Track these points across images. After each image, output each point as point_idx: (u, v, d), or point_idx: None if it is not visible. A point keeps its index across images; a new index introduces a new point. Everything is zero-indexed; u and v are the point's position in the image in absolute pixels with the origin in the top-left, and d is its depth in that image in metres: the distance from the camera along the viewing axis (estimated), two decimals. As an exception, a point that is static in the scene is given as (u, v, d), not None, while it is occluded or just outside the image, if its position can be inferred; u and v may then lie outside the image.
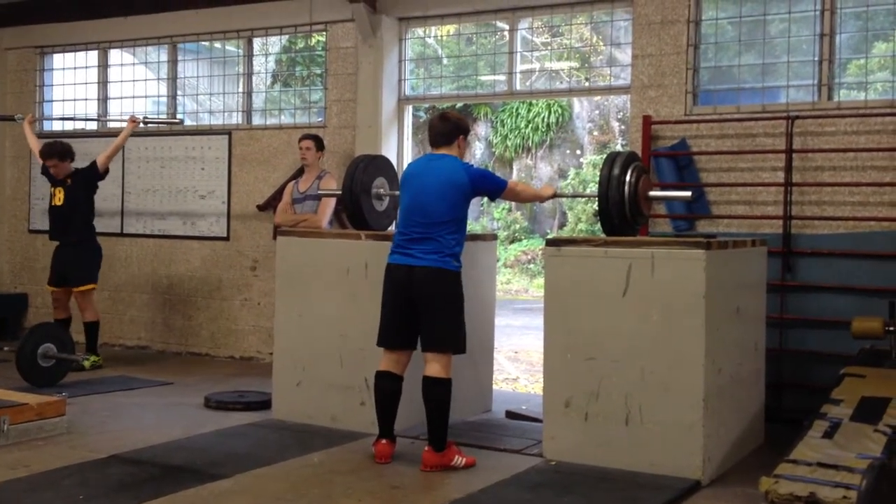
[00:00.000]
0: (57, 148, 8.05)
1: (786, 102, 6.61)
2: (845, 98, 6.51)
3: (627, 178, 5.31)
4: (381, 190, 6.26)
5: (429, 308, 5.05)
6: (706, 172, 6.75)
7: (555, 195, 5.73)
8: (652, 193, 5.58)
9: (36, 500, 4.38)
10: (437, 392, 5.02)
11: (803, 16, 6.60)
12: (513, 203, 21.51)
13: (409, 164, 5.49)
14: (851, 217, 6.28)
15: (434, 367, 5.03)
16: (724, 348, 5.11)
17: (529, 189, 5.38)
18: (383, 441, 5.15)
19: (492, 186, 5.27)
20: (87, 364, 7.82)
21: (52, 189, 8.06)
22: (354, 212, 6.16)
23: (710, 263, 4.90)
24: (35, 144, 8.34)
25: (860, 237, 6.26)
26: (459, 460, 5.03)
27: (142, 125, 8.37)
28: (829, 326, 6.23)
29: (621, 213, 5.31)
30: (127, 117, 8.28)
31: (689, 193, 5.89)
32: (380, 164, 6.40)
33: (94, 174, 7.98)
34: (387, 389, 5.17)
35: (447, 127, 5.25)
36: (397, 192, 6.32)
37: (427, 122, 20.32)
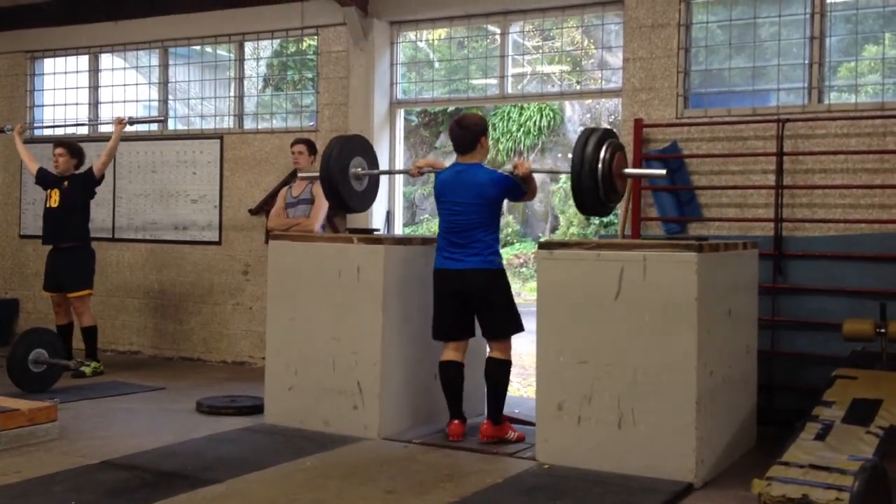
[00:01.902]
0: (70, 141, 8.14)
1: (776, 105, 6.64)
2: (836, 101, 6.53)
3: (602, 154, 5.18)
4: (360, 170, 6.21)
5: (483, 305, 5.63)
6: (697, 175, 6.77)
7: (531, 171, 5.70)
8: (627, 171, 5.45)
9: (27, 506, 4.37)
10: (498, 372, 5.65)
11: (793, 19, 6.62)
12: (505, 207, 21.58)
13: (440, 175, 5.82)
14: (842, 219, 6.30)
15: (496, 351, 5.67)
16: (717, 351, 5.12)
17: (533, 182, 5.73)
18: (455, 422, 5.67)
19: (516, 190, 5.68)
20: (87, 371, 7.80)
21: (48, 191, 8.01)
22: (333, 195, 6.13)
23: (702, 266, 4.91)
24: (26, 155, 8.27)
25: (851, 239, 6.27)
26: (512, 434, 5.65)
27: (129, 126, 8.32)
28: (820, 328, 6.25)
29: (594, 190, 5.20)
30: (114, 120, 8.25)
31: (663, 172, 5.83)
32: (357, 144, 6.31)
33: (91, 180, 7.95)
34: (451, 376, 5.71)
35: (467, 135, 5.66)
36: (376, 171, 6.43)
37: (418, 124, 20.36)
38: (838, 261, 6.29)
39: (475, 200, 5.57)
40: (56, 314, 8.02)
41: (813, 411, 4.96)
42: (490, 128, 20.65)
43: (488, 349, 5.74)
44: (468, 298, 5.63)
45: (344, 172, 6.11)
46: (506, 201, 5.95)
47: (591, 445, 5.06)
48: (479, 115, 6.01)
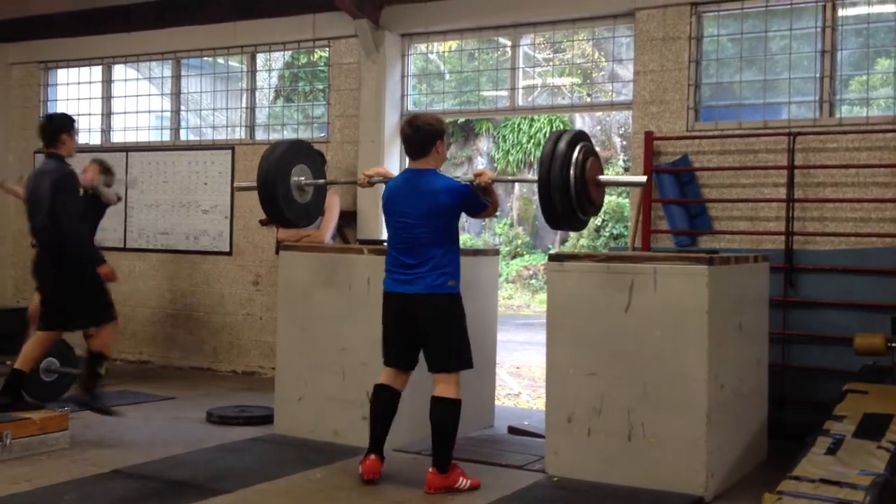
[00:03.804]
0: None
1: (787, 119, 6.63)
2: (847, 114, 6.53)
3: (574, 157, 4.68)
4: (303, 178, 5.68)
5: (431, 332, 4.95)
6: (708, 188, 6.76)
7: (494, 180, 5.06)
8: (601, 178, 4.97)
9: (38, 514, 4.38)
10: (445, 413, 4.87)
11: (804, 32, 6.62)
12: (515, 219, 21.62)
13: (389, 183, 5.19)
14: (853, 233, 6.29)
15: (442, 387, 4.90)
16: (727, 364, 5.11)
17: (494, 194, 5.10)
18: (372, 457, 5.00)
19: (475, 202, 5.02)
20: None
21: None
22: (270, 206, 5.58)
23: (713, 279, 4.91)
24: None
25: (862, 253, 6.26)
26: (464, 482, 4.89)
27: None
28: (831, 342, 6.23)
29: (566, 199, 4.72)
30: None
31: (643, 178, 5.40)
32: (300, 150, 5.79)
33: None
34: (384, 403, 5.06)
35: (421, 136, 4.95)
36: (321, 182, 5.87)
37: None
38: (849, 274, 6.27)
39: (427, 211, 4.87)
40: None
41: (824, 425, 4.94)
42: (499, 140, 20.84)
43: (433, 386, 4.95)
44: (417, 324, 4.95)
45: (284, 180, 5.57)
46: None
47: (600, 458, 5.05)
48: (436, 116, 5.20)
